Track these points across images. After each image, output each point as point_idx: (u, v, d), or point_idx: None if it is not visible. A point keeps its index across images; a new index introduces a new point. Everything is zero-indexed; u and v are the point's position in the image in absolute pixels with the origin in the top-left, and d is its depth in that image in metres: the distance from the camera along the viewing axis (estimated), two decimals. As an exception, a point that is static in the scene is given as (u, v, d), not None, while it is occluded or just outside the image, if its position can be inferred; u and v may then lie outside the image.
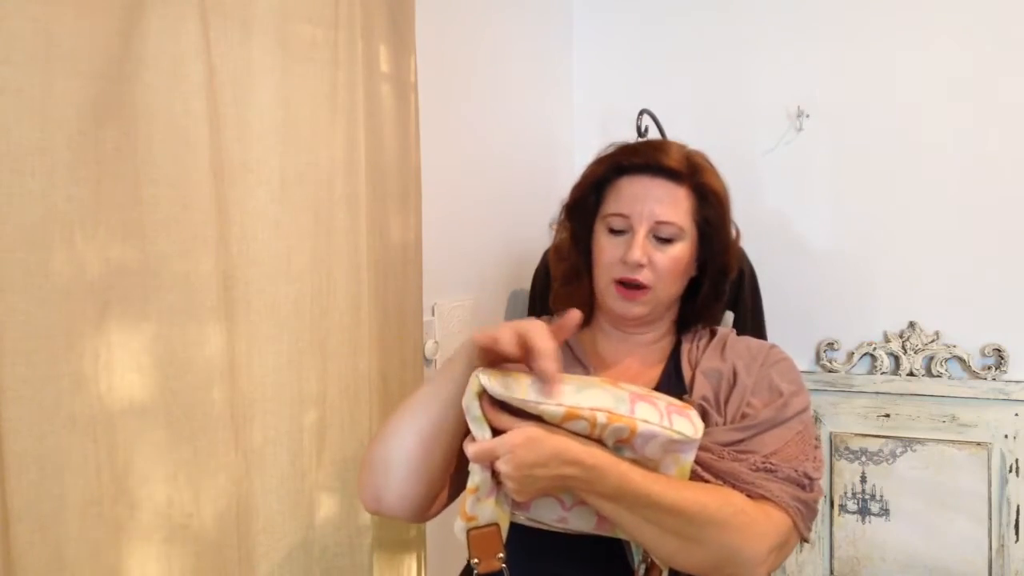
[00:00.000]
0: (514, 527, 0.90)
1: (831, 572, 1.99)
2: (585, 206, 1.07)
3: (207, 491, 0.96)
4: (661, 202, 1.00)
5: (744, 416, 0.96)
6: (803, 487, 0.92)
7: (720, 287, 1.08)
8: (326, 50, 1.13)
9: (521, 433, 0.79)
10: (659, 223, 1.00)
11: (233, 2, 0.98)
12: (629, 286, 1.01)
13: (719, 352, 1.04)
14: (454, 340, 1.55)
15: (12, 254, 0.76)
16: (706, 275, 1.07)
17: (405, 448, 0.90)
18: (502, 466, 0.79)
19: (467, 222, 1.66)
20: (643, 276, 1.00)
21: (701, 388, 0.99)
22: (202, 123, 0.94)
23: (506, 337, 0.82)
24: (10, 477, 0.77)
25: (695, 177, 1.02)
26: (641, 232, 0.99)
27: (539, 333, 0.81)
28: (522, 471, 0.79)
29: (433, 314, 1.52)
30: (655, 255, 1.00)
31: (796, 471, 0.92)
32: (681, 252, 1.01)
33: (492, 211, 1.75)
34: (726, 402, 0.98)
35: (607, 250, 1.02)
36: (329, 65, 1.14)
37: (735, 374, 1.00)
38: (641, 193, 1.01)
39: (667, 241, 1.00)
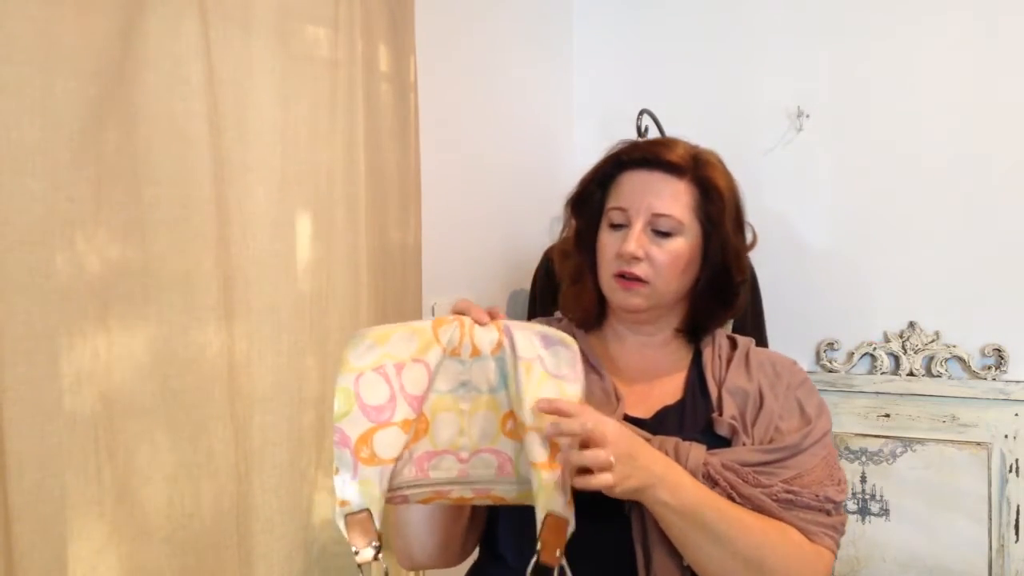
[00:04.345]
0: (514, 518, 0.92)
1: (831, 572, 1.99)
2: (590, 202, 1.06)
3: (207, 491, 0.96)
4: (659, 195, 0.99)
5: (772, 440, 0.96)
6: (826, 512, 0.94)
7: (720, 286, 1.03)
8: (326, 50, 1.13)
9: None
10: (656, 215, 0.98)
11: (233, 2, 0.98)
12: (627, 278, 1.00)
13: (743, 367, 1.03)
14: (454, 340, 1.55)
15: (12, 254, 0.76)
16: (706, 271, 1.03)
17: (412, 521, 0.98)
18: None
19: (467, 222, 1.66)
20: (639, 270, 0.98)
21: (729, 408, 0.98)
22: (202, 123, 0.94)
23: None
24: (11, 477, 0.77)
25: (697, 171, 1.01)
26: (638, 225, 0.98)
27: None
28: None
29: (433, 314, 1.52)
30: (652, 250, 0.98)
31: (817, 497, 0.93)
32: (681, 247, 0.99)
33: (492, 211, 1.75)
34: (753, 424, 0.97)
35: (607, 245, 1.02)
36: (329, 65, 1.14)
37: (761, 395, 0.99)
38: (640, 186, 1.00)
39: (666, 235, 0.99)
